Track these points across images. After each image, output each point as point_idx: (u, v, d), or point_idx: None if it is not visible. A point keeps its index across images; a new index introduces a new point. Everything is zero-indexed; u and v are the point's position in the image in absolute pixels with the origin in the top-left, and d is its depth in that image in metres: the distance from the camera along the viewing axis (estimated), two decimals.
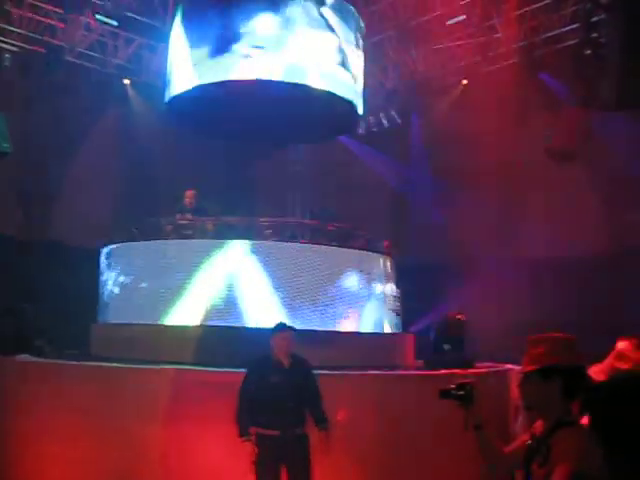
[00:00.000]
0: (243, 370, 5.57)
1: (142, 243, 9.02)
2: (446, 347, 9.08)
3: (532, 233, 11.40)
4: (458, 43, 12.54)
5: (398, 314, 10.04)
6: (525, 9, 11.45)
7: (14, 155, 11.06)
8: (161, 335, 8.28)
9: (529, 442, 2.73)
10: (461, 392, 2.87)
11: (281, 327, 5.64)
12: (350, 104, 10.24)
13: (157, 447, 6.49)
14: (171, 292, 8.51)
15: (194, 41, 9.84)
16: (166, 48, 10.85)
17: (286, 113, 10.36)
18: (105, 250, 9.67)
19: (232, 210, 9.84)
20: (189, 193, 9.87)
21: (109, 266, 9.49)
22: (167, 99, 10.37)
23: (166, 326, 8.41)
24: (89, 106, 12.39)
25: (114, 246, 9.47)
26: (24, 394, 7.27)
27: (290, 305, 8.38)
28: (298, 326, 7.55)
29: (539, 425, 2.74)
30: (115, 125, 13.08)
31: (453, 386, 2.90)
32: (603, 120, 10.20)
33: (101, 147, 12.60)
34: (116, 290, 9.29)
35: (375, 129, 13.80)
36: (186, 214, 9.56)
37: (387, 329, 9.59)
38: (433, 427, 6.69)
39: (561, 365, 2.67)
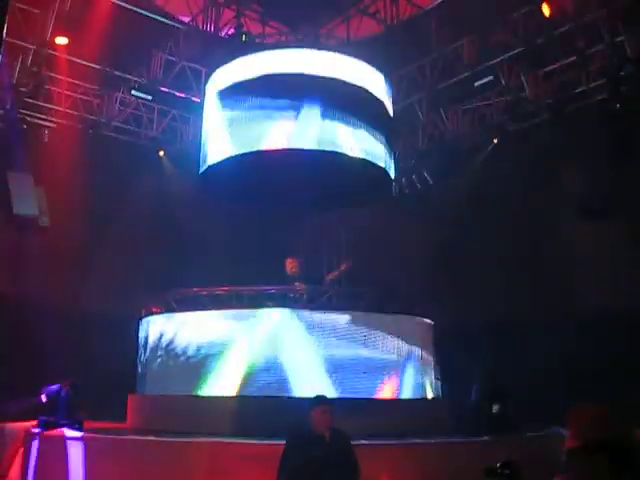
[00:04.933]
0: (283, 442, 5.52)
1: (179, 314, 9.11)
2: (495, 408, 8.89)
3: (566, 291, 11.22)
4: (487, 102, 12.67)
5: (438, 378, 9.91)
6: (552, 67, 11.52)
7: (51, 226, 11.36)
8: (198, 406, 8.30)
9: None
10: (506, 471, 2.80)
11: (321, 400, 5.58)
12: (382, 169, 10.34)
13: None
14: (209, 362, 8.56)
15: (227, 113, 10.09)
16: (199, 119, 11.12)
17: (319, 179, 10.48)
18: (142, 321, 9.80)
19: (266, 275, 9.93)
20: (290, 261, 9.96)
21: (146, 337, 9.59)
22: (201, 170, 10.58)
23: (203, 397, 8.43)
24: (125, 177, 12.69)
25: (151, 317, 9.59)
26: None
27: (326, 373, 8.35)
28: (336, 394, 7.63)
29: None
30: (150, 194, 13.32)
31: (498, 465, 2.83)
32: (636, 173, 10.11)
33: (137, 216, 12.86)
34: (153, 360, 9.37)
35: (407, 191, 13.86)
36: (294, 282, 9.56)
37: (428, 394, 9.48)
38: None
39: (607, 439, 2.61)
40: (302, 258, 10.09)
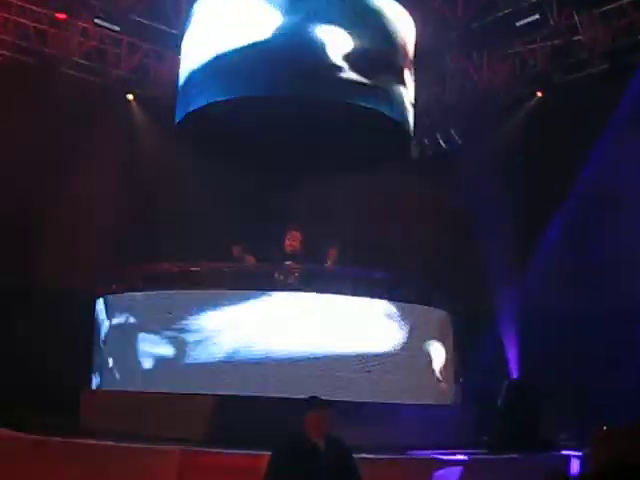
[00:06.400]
0: (268, 453, 5.50)
1: (146, 293, 9.08)
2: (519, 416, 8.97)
3: (624, 280, 11.14)
4: (531, 47, 12.56)
5: (457, 379, 10.02)
6: (612, 5, 11.38)
7: None
8: (166, 406, 8.29)
9: None
10: None
11: (317, 403, 5.51)
12: (399, 124, 10.21)
13: None
14: (180, 353, 8.57)
15: (214, 45, 9.86)
16: (178, 56, 10.97)
17: (322, 137, 10.43)
18: (102, 300, 9.74)
19: (257, 250, 9.92)
20: (291, 235, 9.81)
21: (106, 319, 9.56)
22: (179, 117, 10.39)
23: (172, 395, 8.41)
24: (86, 126, 12.58)
25: (113, 295, 9.55)
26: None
27: (325, 371, 8.38)
28: (332, 395, 7.60)
29: None
30: (116, 148, 13.23)
31: None
32: None
33: (99, 173, 12.75)
34: (113, 348, 9.37)
35: (431, 152, 13.84)
36: (288, 260, 9.51)
37: (442, 399, 9.55)
38: None
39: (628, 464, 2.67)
40: (302, 233, 9.98)
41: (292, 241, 9.79)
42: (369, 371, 8.62)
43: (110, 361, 9.40)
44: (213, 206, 13.06)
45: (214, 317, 8.58)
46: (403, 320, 9.07)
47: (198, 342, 8.53)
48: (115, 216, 12.76)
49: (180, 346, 8.61)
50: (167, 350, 8.71)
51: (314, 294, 8.74)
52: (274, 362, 8.34)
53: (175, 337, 8.68)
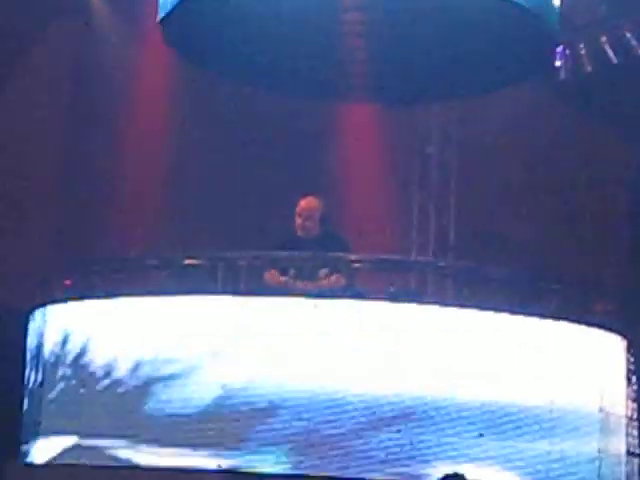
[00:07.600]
0: None
1: (106, 301, 9.01)
2: None
3: None
4: None
5: (635, 452, 9.82)
6: None
7: None
8: None
9: None
10: None
11: None
12: (537, 19, 10.06)
13: None
14: (161, 397, 8.50)
15: None
16: None
17: (407, 43, 10.68)
18: (36, 315, 9.77)
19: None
20: (307, 204, 9.68)
21: (40, 344, 9.57)
22: (162, 14, 10.44)
23: (149, 469, 8.33)
24: (19, 26, 12.86)
25: (54, 306, 9.51)
26: None
27: (402, 429, 8.19)
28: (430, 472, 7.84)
29: None
30: (65, 58, 13.77)
31: None
32: None
33: (37, 96, 13.16)
34: (57, 394, 9.27)
35: (591, 68, 13.59)
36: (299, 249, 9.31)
37: None
38: None
39: None
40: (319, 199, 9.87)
41: (305, 219, 9.59)
42: (482, 435, 8.50)
43: (53, 416, 9.37)
44: (210, 154, 13.56)
45: (223, 339, 8.49)
46: (543, 347, 8.96)
47: (184, 375, 8.46)
48: (60, 177, 13.32)
49: (157, 385, 8.54)
50: (137, 392, 8.65)
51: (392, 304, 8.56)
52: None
53: (147, 369, 8.64)
